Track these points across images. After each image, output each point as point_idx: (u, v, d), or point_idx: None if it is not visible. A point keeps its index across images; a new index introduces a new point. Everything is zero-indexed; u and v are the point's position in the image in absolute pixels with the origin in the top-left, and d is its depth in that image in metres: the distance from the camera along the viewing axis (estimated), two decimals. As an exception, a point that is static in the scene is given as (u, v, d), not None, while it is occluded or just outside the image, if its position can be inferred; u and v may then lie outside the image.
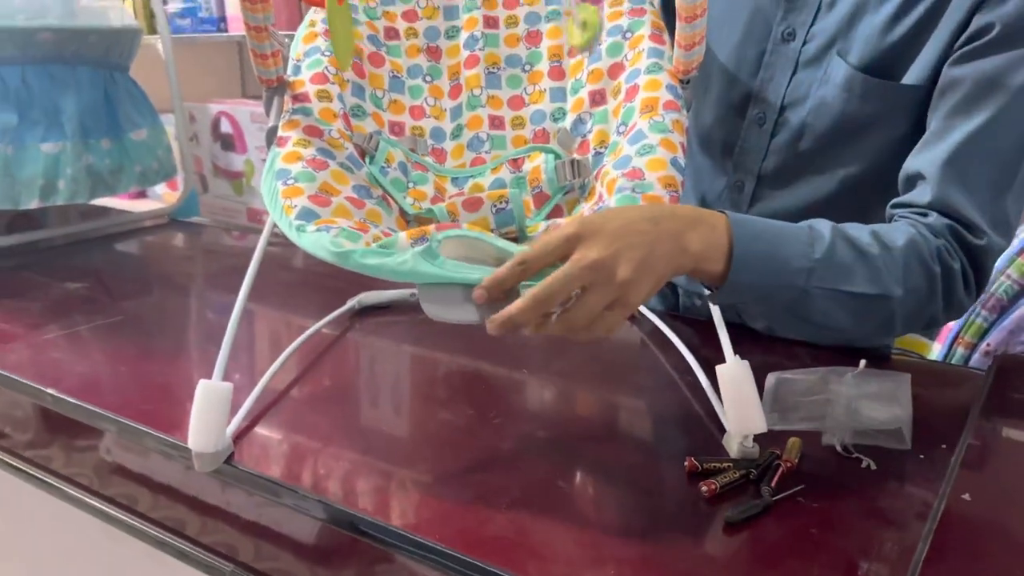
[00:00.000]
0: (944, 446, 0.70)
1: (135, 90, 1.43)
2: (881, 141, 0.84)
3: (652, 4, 0.87)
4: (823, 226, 0.70)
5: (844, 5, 0.85)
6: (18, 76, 1.24)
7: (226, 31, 2.07)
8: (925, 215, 0.75)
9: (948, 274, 0.73)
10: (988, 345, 1.14)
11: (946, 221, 0.74)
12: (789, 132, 0.89)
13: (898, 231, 0.72)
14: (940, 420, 0.75)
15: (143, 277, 1.29)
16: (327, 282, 1.18)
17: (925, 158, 0.77)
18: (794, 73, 0.88)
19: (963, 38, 0.77)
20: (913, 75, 0.81)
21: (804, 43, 0.87)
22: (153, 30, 1.93)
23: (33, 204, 1.26)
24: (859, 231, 0.71)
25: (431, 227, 0.62)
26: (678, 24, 0.75)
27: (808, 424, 0.73)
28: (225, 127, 2.07)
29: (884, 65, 0.82)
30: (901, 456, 0.69)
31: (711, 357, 0.87)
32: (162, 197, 2.11)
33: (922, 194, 0.76)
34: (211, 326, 1.09)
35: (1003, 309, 1.14)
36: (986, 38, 0.75)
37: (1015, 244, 1.14)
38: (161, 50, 1.56)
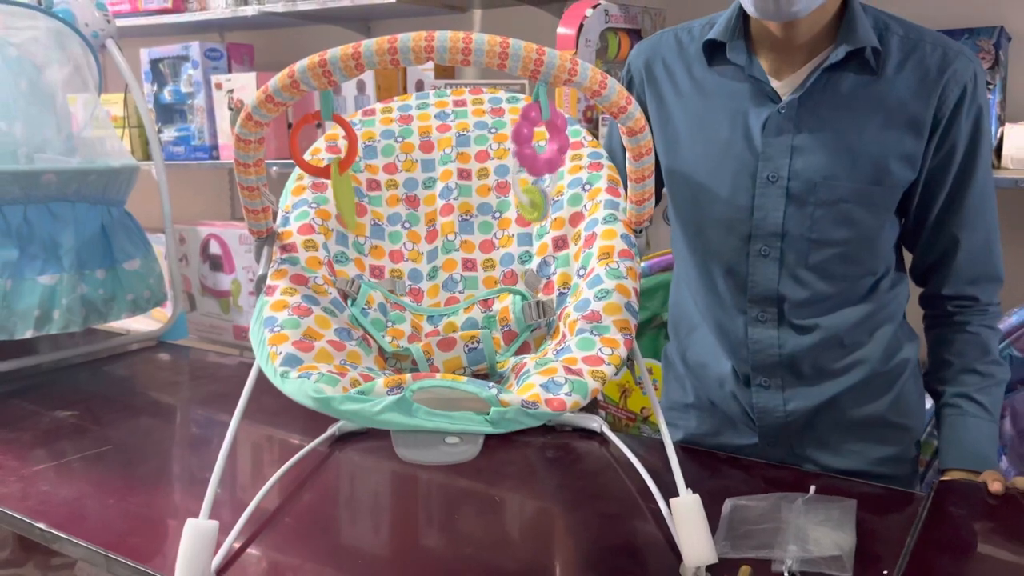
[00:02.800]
0: (885, 572, 0.75)
1: (130, 222, 1.51)
2: (871, 224, 0.97)
3: (608, 159, 0.97)
4: (993, 397, 1.00)
5: (818, 150, 0.94)
6: (20, 214, 1.32)
7: (218, 159, 2.18)
8: (988, 308, 1.02)
9: None
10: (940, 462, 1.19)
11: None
12: (795, 253, 0.97)
13: (993, 340, 1.02)
14: (882, 545, 0.80)
15: (131, 403, 1.33)
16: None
17: (974, 268, 1.00)
18: (787, 206, 0.96)
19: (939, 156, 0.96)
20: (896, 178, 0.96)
21: (789, 180, 0.95)
22: (148, 156, 2.04)
23: (28, 334, 1.32)
24: (987, 363, 1.00)
25: (407, 376, 0.68)
26: (630, 184, 0.84)
27: (759, 552, 0.78)
28: (214, 248, 2.15)
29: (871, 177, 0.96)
30: (846, 582, 0.74)
31: (671, 482, 0.92)
32: (151, 315, 2.17)
33: (988, 294, 1.01)
34: (196, 454, 1.13)
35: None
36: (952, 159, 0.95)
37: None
38: (155, 175, 1.66)
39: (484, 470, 1.01)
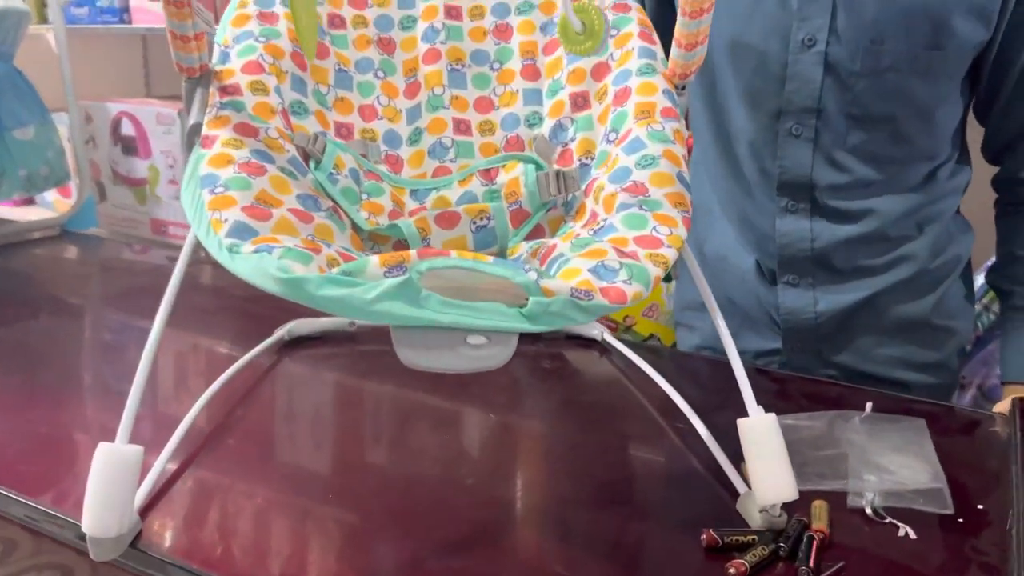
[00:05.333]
0: (980, 506, 0.62)
1: (20, 82, 1.24)
2: (927, 99, 0.82)
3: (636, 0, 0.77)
4: None
5: (865, 6, 0.79)
6: None
7: (129, 23, 1.87)
8: None
9: None
10: (963, 377, 1.09)
11: None
12: (833, 132, 0.84)
13: None
14: (965, 474, 0.67)
15: (28, 299, 1.10)
16: (250, 307, 1.03)
17: None
18: (825, 76, 0.82)
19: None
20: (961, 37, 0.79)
21: (828, 45, 0.81)
22: (45, 19, 1.73)
23: None
24: None
25: (411, 252, 0.49)
26: (680, 19, 0.65)
27: (824, 483, 0.63)
28: (127, 129, 1.87)
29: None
30: (937, 520, 0.60)
31: (696, 397, 0.78)
32: (53, 205, 1.89)
33: None
34: (111, 362, 0.92)
35: (979, 340, 1.09)
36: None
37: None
38: (53, 42, 1.38)
39: (470, 383, 0.84)
